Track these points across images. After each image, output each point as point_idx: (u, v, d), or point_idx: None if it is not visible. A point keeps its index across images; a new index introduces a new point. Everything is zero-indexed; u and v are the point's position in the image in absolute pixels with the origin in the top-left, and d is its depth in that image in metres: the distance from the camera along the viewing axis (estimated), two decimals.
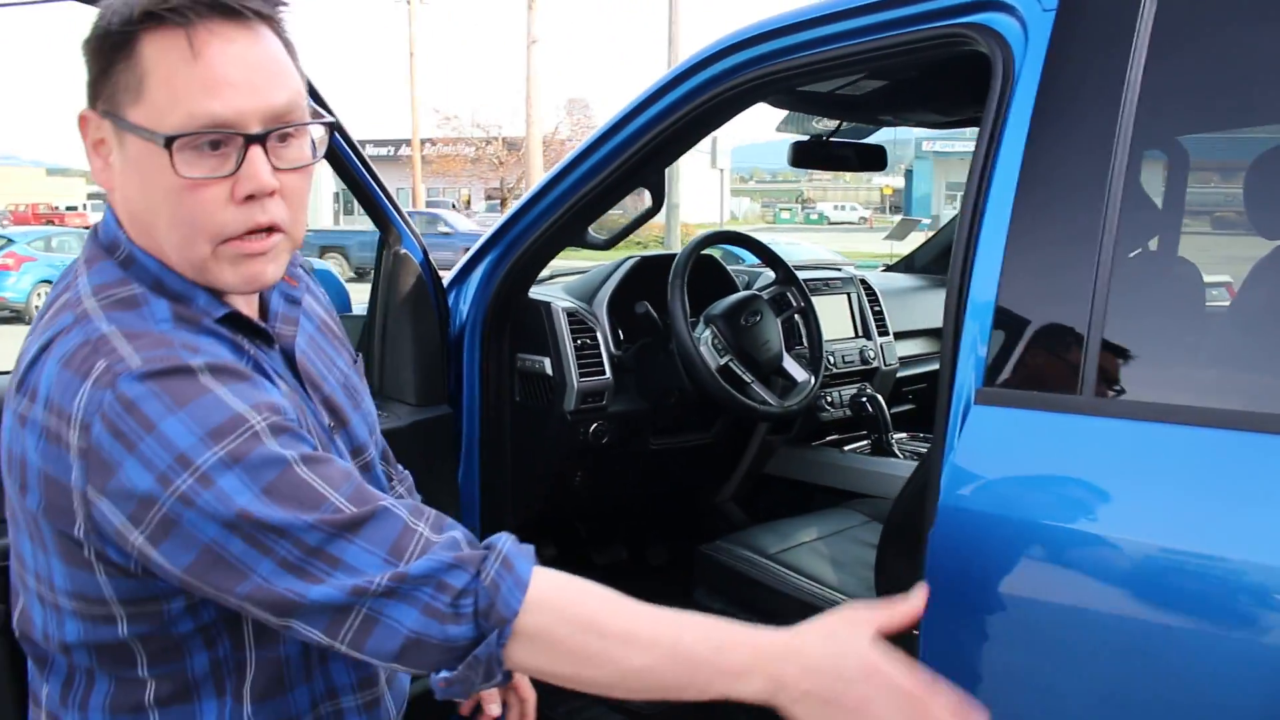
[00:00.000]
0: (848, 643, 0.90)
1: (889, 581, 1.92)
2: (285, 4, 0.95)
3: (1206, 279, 1.67)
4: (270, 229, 0.93)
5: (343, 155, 1.89)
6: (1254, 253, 1.46)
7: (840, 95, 2.34)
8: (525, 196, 2.10)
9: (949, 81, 2.23)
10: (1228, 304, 1.64)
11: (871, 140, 2.99)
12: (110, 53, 0.90)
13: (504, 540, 0.93)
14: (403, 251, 2.08)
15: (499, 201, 33.41)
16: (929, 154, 37.79)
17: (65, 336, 0.90)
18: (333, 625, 0.87)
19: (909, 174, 44.16)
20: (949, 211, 43.71)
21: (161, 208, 0.92)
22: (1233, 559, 1.06)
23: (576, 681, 0.93)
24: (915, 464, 2.67)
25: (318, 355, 1.12)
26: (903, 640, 1.00)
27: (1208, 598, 1.06)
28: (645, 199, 2.11)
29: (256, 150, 0.90)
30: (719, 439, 2.63)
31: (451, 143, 31.33)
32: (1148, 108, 1.23)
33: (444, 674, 0.91)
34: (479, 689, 0.93)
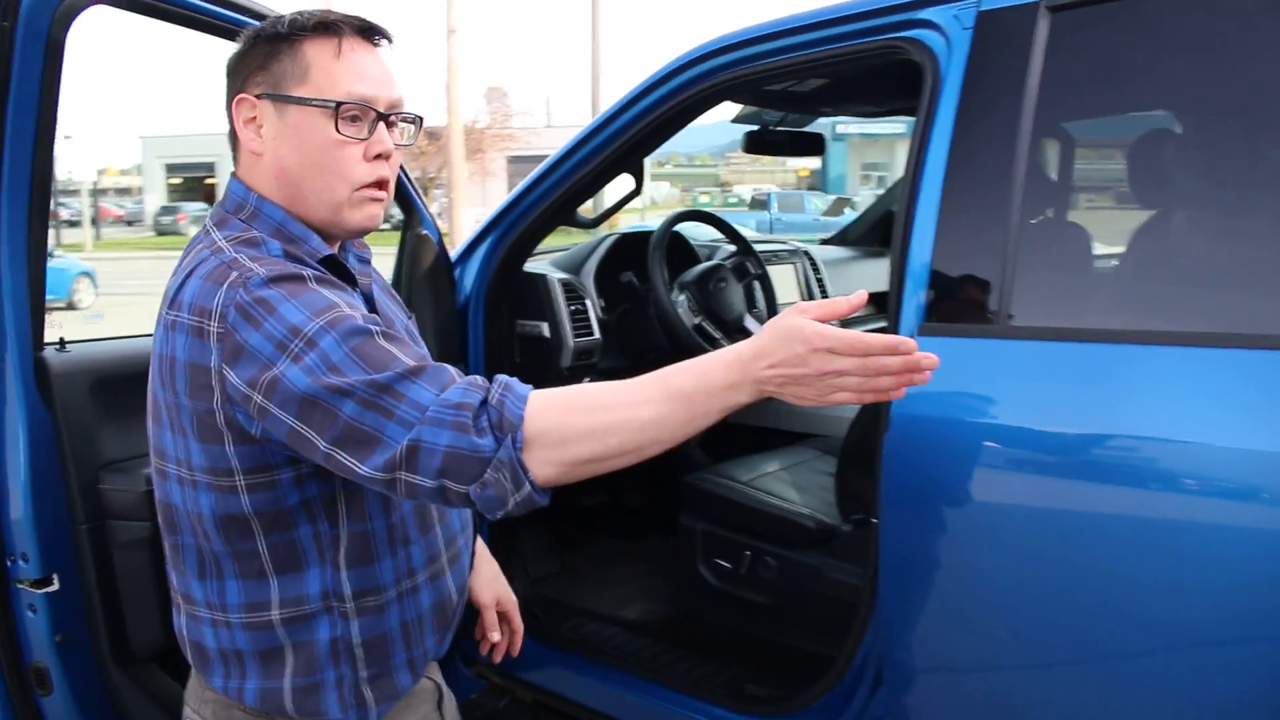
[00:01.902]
0: (795, 330, 1.05)
1: (848, 494, 2.33)
2: (391, 39, 1.31)
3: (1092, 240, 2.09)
4: (383, 184, 1.28)
5: None
6: (1122, 215, 1.89)
7: (790, 92, 2.74)
8: (523, 183, 2.42)
9: (878, 81, 2.64)
10: (1106, 256, 2.07)
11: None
12: (278, 49, 1.23)
13: (503, 376, 1.14)
14: (423, 232, 2.41)
15: (421, 191, 33.22)
16: (844, 137, 38.53)
17: (204, 265, 1.18)
18: (390, 461, 1.08)
19: (824, 157, 45.02)
20: (864, 191, 44.73)
21: (315, 160, 1.22)
22: (1110, 434, 1.47)
23: (605, 458, 1.09)
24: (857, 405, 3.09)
25: (387, 304, 1.44)
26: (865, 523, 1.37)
27: (1090, 466, 1.47)
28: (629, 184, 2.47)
29: (382, 125, 1.25)
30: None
31: None
32: (1043, 103, 1.63)
33: (480, 489, 1.09)
34: (515, 503, 1.09)
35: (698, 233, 3.23)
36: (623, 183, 2.48)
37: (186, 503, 1.23)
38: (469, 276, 2.52)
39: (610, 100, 2.29)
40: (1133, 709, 1.48)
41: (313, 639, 1.26)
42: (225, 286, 1.14)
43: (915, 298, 1.69)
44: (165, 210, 36.33)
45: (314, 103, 1.22)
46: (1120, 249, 1.83)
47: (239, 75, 1.25)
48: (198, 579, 1.27)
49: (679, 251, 3.05)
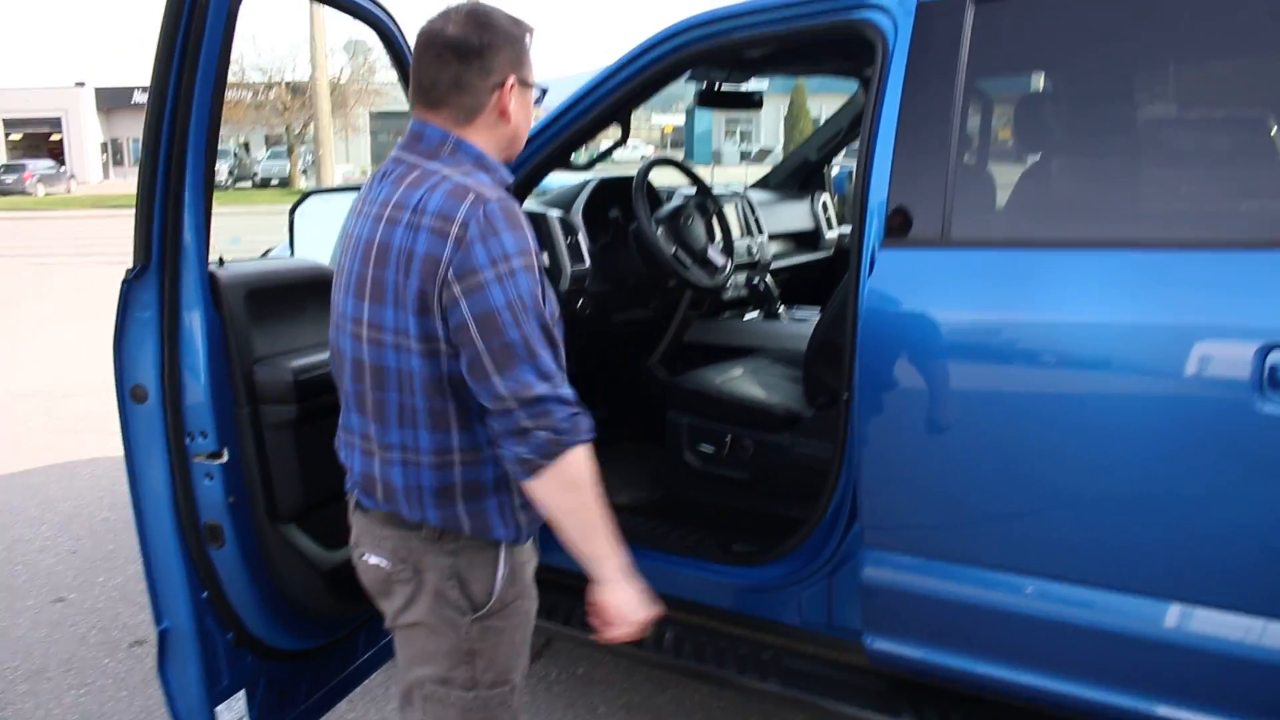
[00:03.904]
0: (634, 611, 1.66)
1: (814, 384, 2.86)
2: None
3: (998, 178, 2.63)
4: None
5: None
6: (1019, 159, 2.44)
7: (744, 57, 3.23)
8: (530, 132, 2.84)
9: (815, 49, 3.15)
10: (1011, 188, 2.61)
11: None
12: (524, 48, 1.65)
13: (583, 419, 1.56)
14: None
15: (287, 148, 32.78)
16: None
17: (441, 184, 1.54)
18: (516, 396, 1.50)
19: (689, 113, 45.85)
20: (728, 146, 45.68)
21: (526, 124, 1.69)
22: (1019, 319, 1.97)
23: (549, 517, 1.61)
24: (799, 323, 3.64)
25: None
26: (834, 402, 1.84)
27: (1009, 339, 1.98)
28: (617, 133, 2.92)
29: None
30: (655, 314, 3.51)
31: (232, 88, 30.19)
32: (970, 72, 2.11)
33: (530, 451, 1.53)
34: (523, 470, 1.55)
35: (657, 178, 3.71)
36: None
37: (400, 364, 1.57)
38: None
39: None
40: (1050, 521, 1.99)
41: (479, 478, 1.64)
42: (467, 203, 1.52)
43: (874, 222, 2.16)
44: (7, 169, 34.33)
45: (536, 88, 1.69)
46: (1022, 179, 2.38)
47: (511, 63, 1.63)
48: (398, 427, 1.60)
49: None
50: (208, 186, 1.94)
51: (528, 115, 1.68)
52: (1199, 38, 2.09)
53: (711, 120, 42.79)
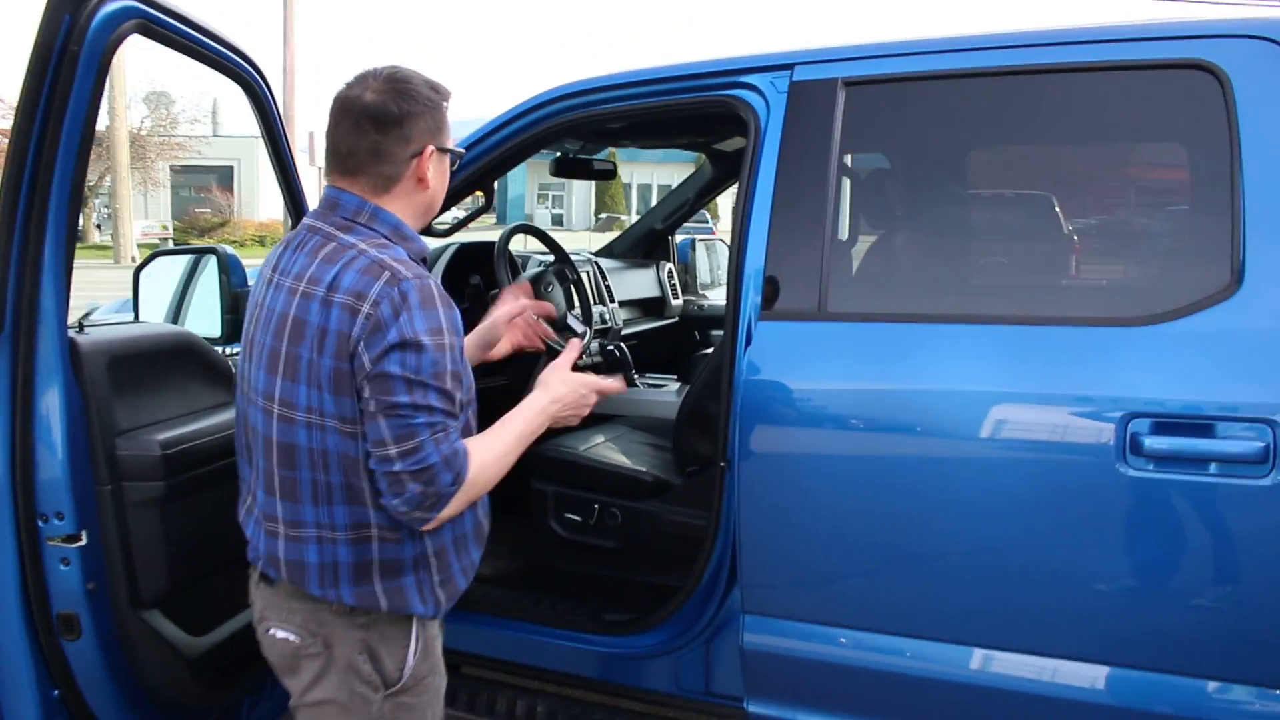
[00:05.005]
0: (579, 381, 1.84)
1: (685, 452, 2.89)
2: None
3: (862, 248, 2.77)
4: None
5: (288, 163, 2.53)
6: (893, 234, 2.58)
7: (607, 128, 3.29)
8: None
9: (686, 125, 3.25)
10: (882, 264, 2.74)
11: None
12: (443, 115, 1.65)
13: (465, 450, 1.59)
14: None
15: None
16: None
17: (356, 260, 1.53)
18: (415, 469, 1.51)
19: (504, 177, 45.98)
20: (540, 210, 46.10)
21: (442, 190, 1.70)
22: (897, 389, 2.07)
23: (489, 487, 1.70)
24: (655, 390, 3.69)
25: None
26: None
27: (882, 407, 2.07)
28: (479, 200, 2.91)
29: None
30: (512, 380, 3.47)
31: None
32: (842, 149, 2.23)
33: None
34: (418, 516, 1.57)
35: (517, 245, 3.70)
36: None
37: (313, 443, 1.55)
38: None
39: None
40: (920, 583, 2.08)
41: (399, 555, 1.62)
42: (381, 282, 1.51)
43: (752, 294, 2.22)
44: None
45: (452, 154, 1.70)
46: (895, 254, 2.52)
47: (429, 131, 1.63)
48: (311, 505, 1.57)
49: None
50: (69, 246, 1.81)
51: (444, 181, 1.69)
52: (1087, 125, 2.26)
53: (525, 183, 43.16)
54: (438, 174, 1.66)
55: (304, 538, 1.59)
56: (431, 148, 1.63)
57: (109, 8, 1.79)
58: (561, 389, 1.81)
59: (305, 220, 1.68)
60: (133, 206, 26.51)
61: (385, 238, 1.61)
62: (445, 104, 1.66)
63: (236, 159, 36.19)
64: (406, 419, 1.50)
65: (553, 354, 3.23)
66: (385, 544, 1.60)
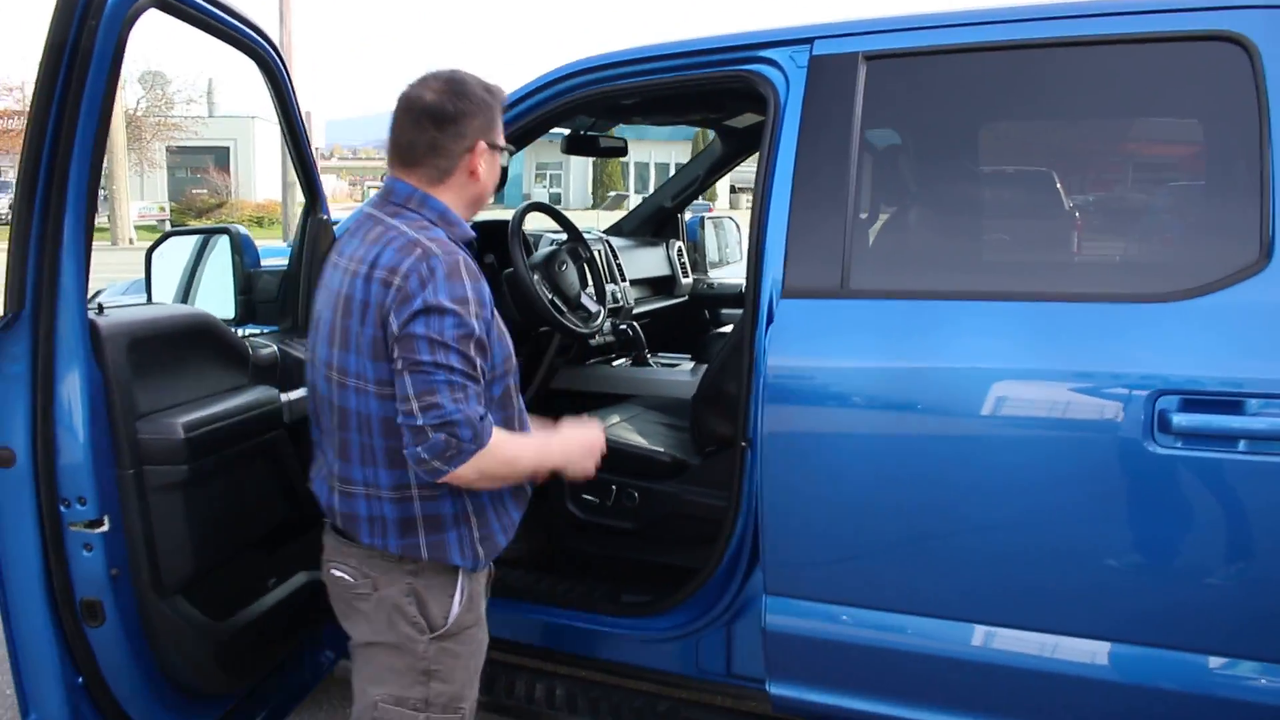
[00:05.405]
0: (593, 445, 1.96)
1: (703, 432, 2.87)
2: None
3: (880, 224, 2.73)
4: None
5: (303, 142, 2.49)
6: (916, 210, 2.55)
7: (619, 105, 3.25)
8: None
9: (700, 101, 3.22)
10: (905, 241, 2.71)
11: None
12: (495, 114, 1.79)
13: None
14: (324, 218, 2.69)
15: None
16: None
17: (395, 240, 1.69)
18: (436, 423, 1.62)
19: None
20: (538, 189, 45.96)
21: (493, 183, 1.83)
22: (923, 367, 2.05)
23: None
24: (669, 370, 3.67)
25: None
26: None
27: (913, 390, 2.04)
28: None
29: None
30: (523, 360, 3.44)
31: (16, 115, 28.06)
32: (863, 124, 2.20)
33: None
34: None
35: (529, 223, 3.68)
36: None
37: (359, 407, 1.71)
38: None
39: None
40: (947, 563, 2.06)
41: (439, 511, 1.75)
42: (411, 258, 1.66)
43: (771, 275, 2.19)
44: None
45: (503, 149, 1.84)
46: (920, 231, 2.49)
47: (481, 129, 1.77)
48: (360, 465, 1.74)
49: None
50: (89, 226, 1.78)
51: (494, 175, 1.84)
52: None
53: (523, 162, 42.97)
54: (489, 168, 1.81)
55: (354, 494, 1.77)
56: (483, 144, 1.78)
57: None
58: (578, 453, 1.94)
59: (363, 208, 1.86)
60: (129, 188, 26.41)
61: (430, 222, 1.75)
62: (498, 104, 1.81)
63: (233, 139, 36.06)
64: (428, 375, 1.62)
65: (567, 333, 3.25)
66: (426, 501, 1.75)
